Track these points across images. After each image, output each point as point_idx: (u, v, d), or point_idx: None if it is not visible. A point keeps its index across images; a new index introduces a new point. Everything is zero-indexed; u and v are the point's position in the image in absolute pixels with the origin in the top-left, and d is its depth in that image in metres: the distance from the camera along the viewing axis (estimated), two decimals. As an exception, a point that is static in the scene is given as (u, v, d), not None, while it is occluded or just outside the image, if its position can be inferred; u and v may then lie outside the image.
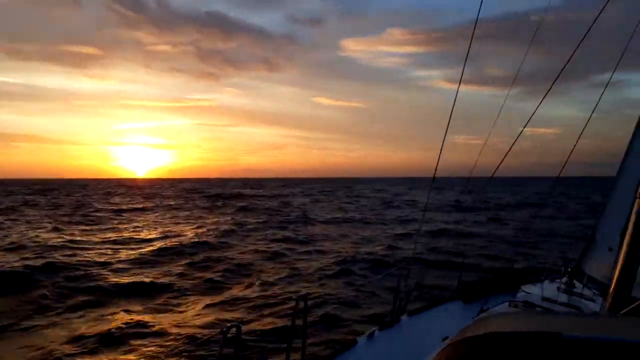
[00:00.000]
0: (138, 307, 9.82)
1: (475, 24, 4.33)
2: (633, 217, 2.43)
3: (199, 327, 8.52)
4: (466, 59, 4.54)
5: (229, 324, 3.10)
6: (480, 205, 40.25)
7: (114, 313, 9.39)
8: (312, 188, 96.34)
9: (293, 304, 3.62)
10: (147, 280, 12.10)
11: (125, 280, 12.14)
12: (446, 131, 4.39)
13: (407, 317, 4.83)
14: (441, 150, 4.55)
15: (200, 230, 23.13)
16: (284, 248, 17.57)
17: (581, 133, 5.58)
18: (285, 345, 3.60)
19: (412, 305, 5.19)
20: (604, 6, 4.45)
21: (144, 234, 21.96)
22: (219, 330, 3.00)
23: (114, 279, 12.26)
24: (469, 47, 4.40)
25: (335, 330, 8.40)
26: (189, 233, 22.10)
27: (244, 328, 7.95)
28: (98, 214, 33.15)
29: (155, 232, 22.93)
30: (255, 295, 10.68)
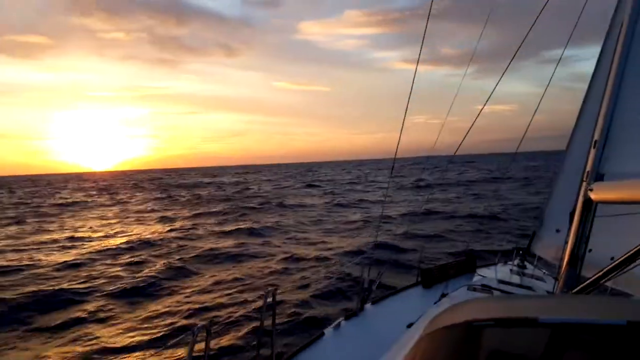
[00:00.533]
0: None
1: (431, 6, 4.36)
2: (580, 200, 2.55)
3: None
4: (423, 40, 4.58)
5: (198, 325, 3.06)
6: (441, 182, 41.48)
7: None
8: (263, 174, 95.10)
9: (261, 299, 3.62)
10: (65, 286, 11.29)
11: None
12: (405, 113, 4.50)
13: (371, 305, 4.96)
14: (401, 132, 4.65)
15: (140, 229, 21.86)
16: (237, 244, 16.44)
17: (535, 110, 5.79)
18: (255, 342, 3.60)
19: (376, 294, 5.34)
20: None
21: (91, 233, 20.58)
22: (188, 331, 2.95)
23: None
24: (426, 27, 4.44)
25: (303, 322, 8.49)
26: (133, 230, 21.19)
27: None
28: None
29: (100, 231, 21.55)
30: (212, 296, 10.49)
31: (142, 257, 14.35)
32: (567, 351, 1.22)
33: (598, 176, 2.54)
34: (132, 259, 14.06)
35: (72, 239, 18.81)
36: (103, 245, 16.92)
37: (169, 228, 21.03)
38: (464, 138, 4.65)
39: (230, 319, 8.93)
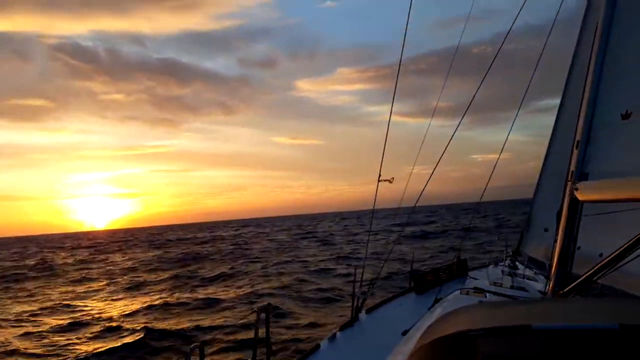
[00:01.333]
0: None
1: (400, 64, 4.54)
2: (566, 200, 2.56)
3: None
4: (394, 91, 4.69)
5: (192, 345, 3.08)
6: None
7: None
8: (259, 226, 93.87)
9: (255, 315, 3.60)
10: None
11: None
12: (381, 163, 4.67)
13: (365, 314, 4.89)
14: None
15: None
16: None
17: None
18: (250, 358, 3.57)
19: (369, 302, 5.27)
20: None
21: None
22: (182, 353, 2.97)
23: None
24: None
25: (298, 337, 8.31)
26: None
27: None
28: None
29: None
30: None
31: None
32: (562, 356, 1.22)
33: (582, 176, 2.55)
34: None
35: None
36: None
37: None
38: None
39: (225, 338, 8.78)
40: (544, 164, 5.00)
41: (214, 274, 20.89)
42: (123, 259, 36.29)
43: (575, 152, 2.60)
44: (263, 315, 3.67)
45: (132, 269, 27.17)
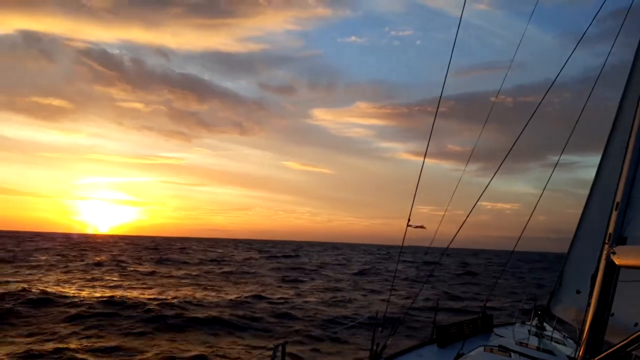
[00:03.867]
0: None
1: (439, 104, 4.64)
2: (602, 263, 2.48)
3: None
4: (430, 135, 4.81)
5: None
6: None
7: None
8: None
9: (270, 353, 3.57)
10: None
11: None
12: (412, 203, 4.64)
13: None
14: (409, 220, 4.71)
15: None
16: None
17: (533, 210, 5.89)
18: None
19: (388, 351, 5.08)
20: (545, 94, 4.86)
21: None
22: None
23: None
24: (434, 122, 4.68)
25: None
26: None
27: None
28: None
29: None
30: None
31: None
32: None
33: (620, 239, 2.47)
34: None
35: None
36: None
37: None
38: (457, 231, 4.73)
39: None
40: (579, 224, 4.91)
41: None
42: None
43: (614, 213, 2.53)
44: (279, 353, 3.62)
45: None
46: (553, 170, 6.02)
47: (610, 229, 2.51)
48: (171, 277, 26.69)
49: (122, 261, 37.57)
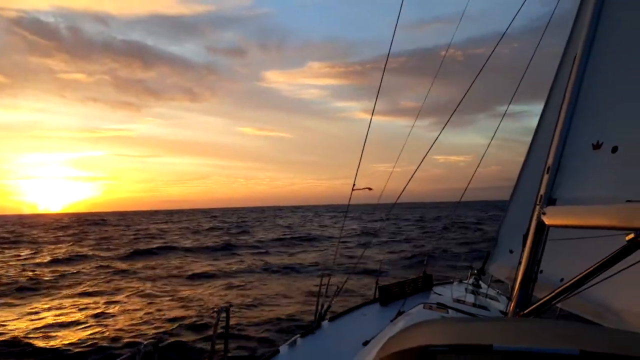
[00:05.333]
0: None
1: (386, 62, 4.51)
2: (533, 223, 2.60)
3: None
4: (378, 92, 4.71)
5: (145, 342, 2.93)
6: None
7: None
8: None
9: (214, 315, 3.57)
10: None
11: None
12: (356, 172, 4.71)
13: (328, 322, 4.88)
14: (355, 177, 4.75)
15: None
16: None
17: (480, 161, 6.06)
18: (208, 355, 3.50)
19: (333, 311, 5.25)
20: (496, 45, 4.85)
21: None
22: (134, 348, 2.79)
23: None
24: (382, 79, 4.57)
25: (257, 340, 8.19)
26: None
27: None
28: None
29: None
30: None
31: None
32: None
33: (550, 201, 2.60)
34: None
35: None
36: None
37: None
38: (405, 185, 4.84)
39: (180, 336, 8.50)
40: (514, 188, 5.11)
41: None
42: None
43: (546, 177, 2.65)
44: (223, 315, 3.61)
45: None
46: (500, 121, 6.14)
47: (542, 191, 2.63)
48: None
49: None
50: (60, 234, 44.89)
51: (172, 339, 8.35)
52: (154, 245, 28.28)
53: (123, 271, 18.27)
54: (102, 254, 24.77)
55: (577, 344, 1.23)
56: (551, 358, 1.22)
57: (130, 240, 35.08)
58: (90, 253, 25.11)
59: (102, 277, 16.89)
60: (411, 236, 32.86)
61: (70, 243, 32.91)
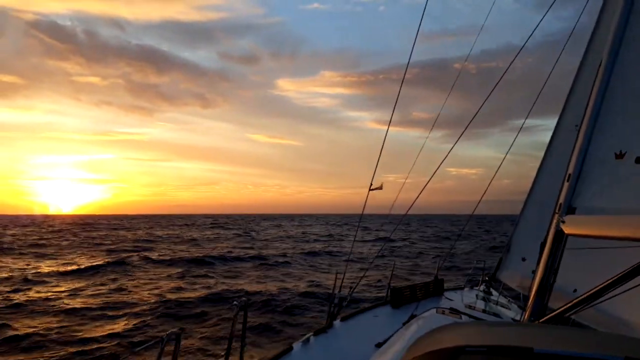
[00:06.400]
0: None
1: (405, 71, 4.54)
2: (552, 231, 2.56)
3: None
4: (396, 103, 4.74)
5: (169, 331, 2.98)
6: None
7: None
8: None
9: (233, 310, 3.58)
10: None
11: None
12: (374, 174, 4.70)
13: (340, 322, 4.90)
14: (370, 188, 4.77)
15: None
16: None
17: (495, 174, 6.04)
18: (224, 352, 3.54)
19: (345, 311, 5.28)
20: (511, 62, 4.87)
21: None
22: (158, 338, 2.88)
23: None
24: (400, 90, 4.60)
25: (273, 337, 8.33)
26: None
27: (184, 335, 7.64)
28: None
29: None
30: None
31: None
32: None
33: (570, 209, 2.56)
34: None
35: None
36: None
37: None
38: (417, 196, 4.85)
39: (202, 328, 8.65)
40: (529, 195, 5.08)
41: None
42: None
43: (566, 185, 2.60)
44: (241, 311, 3.65)
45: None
46: (517, 135, 6.11)
47: (561, 199, 2.59)
48: None
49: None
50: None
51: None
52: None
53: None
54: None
55: (621, 351, 1.19)
56: None
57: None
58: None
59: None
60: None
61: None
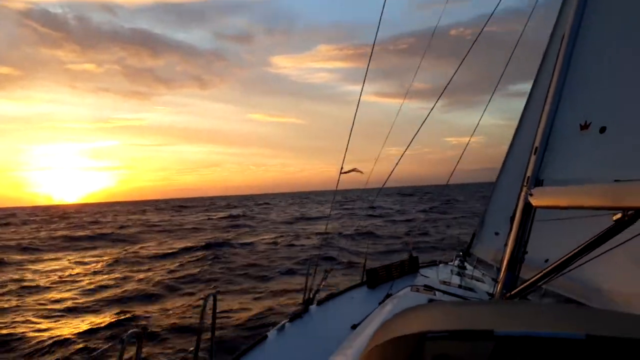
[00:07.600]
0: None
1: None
2: (520, 204, 2.60)
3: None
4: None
5: (130, 330, 2.77)
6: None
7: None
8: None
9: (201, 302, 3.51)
10: None
11: None
12: (344, 155, 4.82)
13: (316, 306, 4.88)
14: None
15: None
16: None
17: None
18: (193, 346, 3.46)
19: (321, 295, 5.26)
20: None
21: None
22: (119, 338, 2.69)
23: None
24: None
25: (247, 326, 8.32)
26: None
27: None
28: None
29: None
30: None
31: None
32: None
33: (537, 182, 2.59)
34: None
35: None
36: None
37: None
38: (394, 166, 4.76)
39: (167, 324, 8.54)
40: (502, 168, 5.07)
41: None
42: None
43: (533, 158, 2.64)
44: (210, 302, 3.60)
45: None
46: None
47: (529, 172, 2.63)
48: None
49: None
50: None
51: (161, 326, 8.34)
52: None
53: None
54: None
55: (583, 328, 1.18)
56: (556, 343, 1.17)
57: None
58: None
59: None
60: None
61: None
